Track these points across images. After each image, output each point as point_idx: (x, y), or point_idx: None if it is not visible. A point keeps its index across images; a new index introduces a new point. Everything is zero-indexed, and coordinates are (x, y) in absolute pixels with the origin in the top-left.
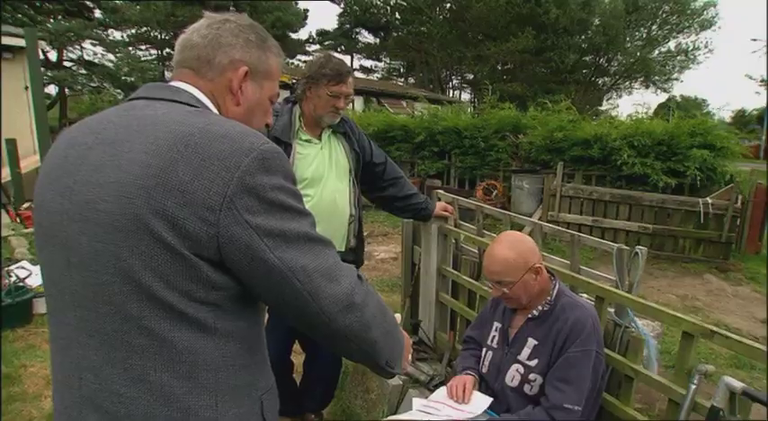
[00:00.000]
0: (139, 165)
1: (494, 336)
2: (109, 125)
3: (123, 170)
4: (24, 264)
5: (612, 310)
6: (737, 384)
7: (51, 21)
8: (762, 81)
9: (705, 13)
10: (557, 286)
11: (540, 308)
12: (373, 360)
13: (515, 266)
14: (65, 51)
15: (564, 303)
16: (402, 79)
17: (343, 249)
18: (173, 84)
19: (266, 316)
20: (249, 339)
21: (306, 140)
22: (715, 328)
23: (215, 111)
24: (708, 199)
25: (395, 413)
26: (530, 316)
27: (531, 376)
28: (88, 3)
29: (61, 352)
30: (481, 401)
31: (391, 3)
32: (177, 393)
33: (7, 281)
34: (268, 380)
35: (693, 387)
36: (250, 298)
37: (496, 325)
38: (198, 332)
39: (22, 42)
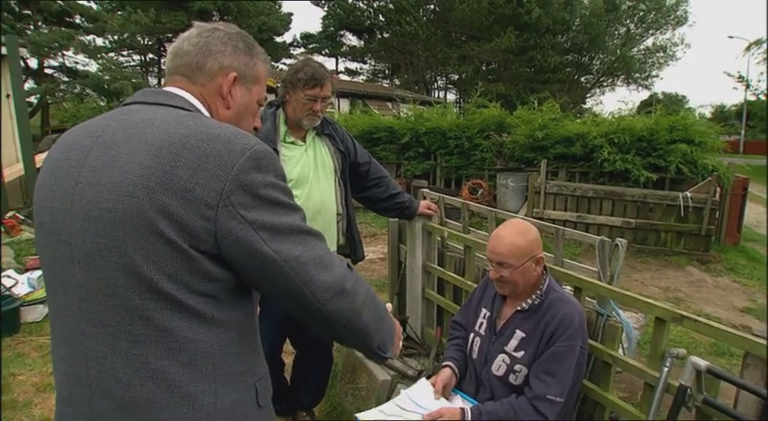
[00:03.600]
0: (140, 166)
1: (482, 323)
2: (107, 128)
3: (124, 170)
4: (11, 272)
5: (595, 301)
6: (702, 363)
7: (31, 28)
8: (739, 78)
9: (678, 8)
10: (547, 281)
11: (529, 301)
12: (365, 344)
13: (521, 252)
14: (45, 59)
15: (553, 298)
16: (387, 81)
17: (334, 248)
18: (166, 89)
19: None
20: (244, 328)
21: (290, 143)
22: (684, 313)
23: (207, 114)
24: (687, 193)
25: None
26: (518, 308)
27: (517, 367)
28: (68, 9)
29: (66, 344)
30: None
31: (375, 5)
32: (178, 380)
33: None
34: (262, 367)
35: (666, 369)
36: (244, 289)
37: (485, 312)
38: (197, 322)
39: (2, 50)
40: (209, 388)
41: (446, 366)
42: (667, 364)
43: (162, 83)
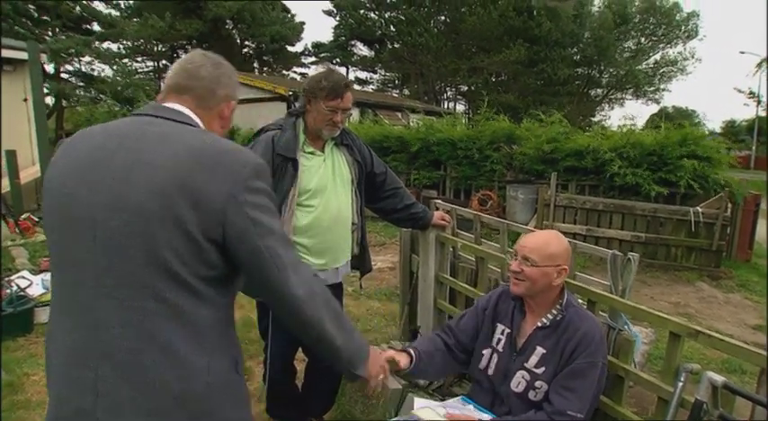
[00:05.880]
0: (164, 170)
1: (500, 339)
2: (129, 134)
3: (152, 172)
4: (25, 273)
5: (606, 315)
6: (719, 378)
7: (49, 34)
8: (750, 94)
9: (689, 23)
10: (566, 296)
11: (549, 317)
12: (334, 354)
13: (548, 253)
14: (62, 64)
15: (572, 314)
16: (397, 91)
17: (348, 257)
18: (174, 107)
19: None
20: (229, 310)
21: (309, 152)
22: (699, 328)
23: (203, 128)
24: (698, 208)
25: (395, 417)
26: (539, 324)
27: (538, 383)
28: (86, 15)
29: (76, 314)
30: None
31: (386, 16)
32: (180, 350)
33: (8, 290)
34: (237, 343)
35: (680, 384)
36: (234, 278)
37: (503, 328)
38: (199, 301)
39: (22, 55)
40: (204, 358)
41: (406, 351)
42: (682, 379)
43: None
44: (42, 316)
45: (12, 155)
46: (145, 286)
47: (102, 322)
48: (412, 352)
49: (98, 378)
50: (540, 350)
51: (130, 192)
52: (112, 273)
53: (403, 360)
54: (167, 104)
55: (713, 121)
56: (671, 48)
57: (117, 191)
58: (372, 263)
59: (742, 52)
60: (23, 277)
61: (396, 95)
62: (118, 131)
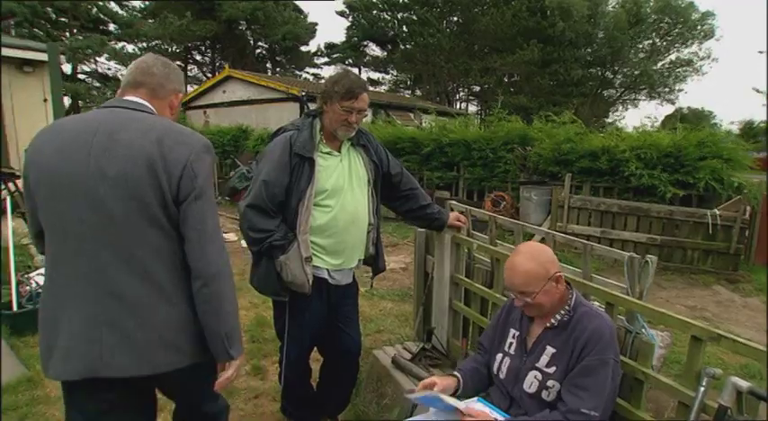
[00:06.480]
0: (140, 146)
1: (511, 343)
2: (104, 120)
3: (130, 148)
4: (43, 271)
5: (624, 318)
6: (744, 383)
7: (67, 35)
8: None
9: (705, 23)
10: (574, 296)
11: (558, 317)
12: (217, 324)
13: (537, 277)
14: (79, 65)
15: (582, 313)
16: (409, 91)
17: (363, 257)
18: (133, 99)
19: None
20: None
21: (326, 153)
22: (722, 332)
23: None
24: (716, 210)
25: (409, 417)
26: (548, 325)
27: (550, 382)
28: (103, 17)
29: (80, 265)
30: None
31: (399, 16)
32: (164, 282)
33: (28, 287)
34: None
35: (702, 389)
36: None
37: (513, 332)
38: (173, 243)
39: (41, 56)
40: (183, 290)
41: (451, 375)
42: (704, 384)
43: (158, 86)
44: None
45: None
46: (138, 235)
47: (109, 266)
48: (458, 374)
49: (105, 311)
50: (549, 349)
51: (117, 164)
52: (109, 228)
53: (451, 385)
54: (127, 97)
55: (730, 122)
56: (686, 48)
57: (103, 163)
58: (386, 263)
59: (760, 52)
60: (42, 274)
61: (408, 96)
62: (94, 119)
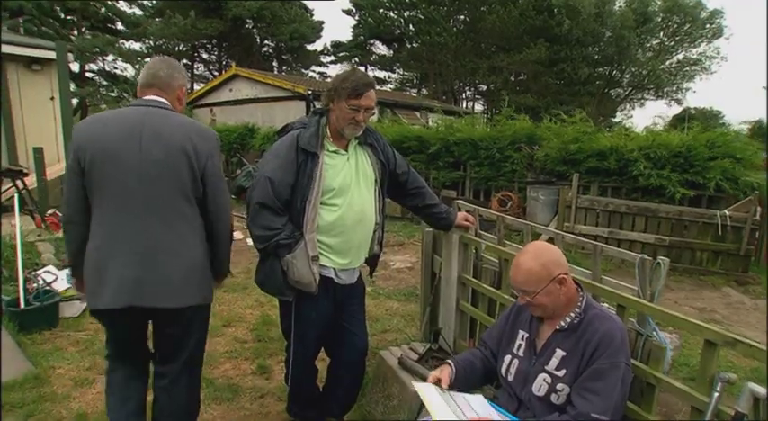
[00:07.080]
0: (178, 140)
1: (520, 345)
2: (145, 117)
3: (171, 139)
4: (50, 268)
5: (634, 320)
6: (762, 390)
7: (75, 34)
8: None
9: (713, 21)
10: (585, 298)
11: (568, 319)
12: (226, 247)
13: (538, 277)
14: (87, 63)
15: (592, 315)
16: (415, 90)
17: (367, 255)
18: (154, 98)
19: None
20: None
21: (333, 151)
22: (738, 337)
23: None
24: (726, 211)
25: (416, 418)
26: (558, 327)
27: (559, 386)
28: (111, 15)
29: (126, 226)
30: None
31: (405, 15)
32: (190, 238)
33: (35, 285)
34: None
35: (716, 394)
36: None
37: (522, 333)
38: (194, 210)
39: (49, 55)
40: (202, 247)
41: (446, 363)
42: (718, 389)
43: (173, 84)
44: (67, 310)
45: (39, 152)
46: (172, 205)
47: (149, 227)
48: (451, 362)
49: (145, 253)
50: (559, 352)
51: (161, 150)
52: (153, 200)
53: (445, 373)
54: (147, 97)
55: (741, 122)
56: (694, 47)
57: (152, 149)
58: (391, 263)
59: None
60: (49, 272)
61: (414, 95)
62: (136, 116)
